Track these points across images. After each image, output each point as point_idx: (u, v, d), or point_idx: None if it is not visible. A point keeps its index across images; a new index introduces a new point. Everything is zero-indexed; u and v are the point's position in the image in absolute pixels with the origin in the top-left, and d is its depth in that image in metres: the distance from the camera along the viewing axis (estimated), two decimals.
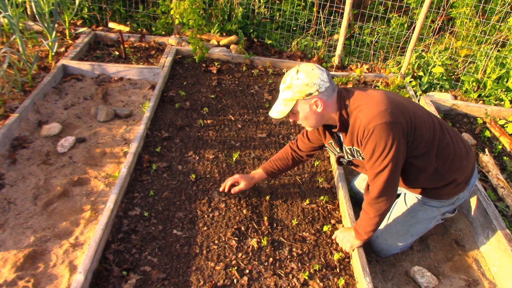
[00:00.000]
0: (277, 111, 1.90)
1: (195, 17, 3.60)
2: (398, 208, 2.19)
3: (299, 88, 1.80)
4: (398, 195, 2.28)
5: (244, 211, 2.38)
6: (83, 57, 3.84)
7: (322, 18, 4.50)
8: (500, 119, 3.47)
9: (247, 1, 4.47)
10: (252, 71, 3.91)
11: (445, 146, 1.93)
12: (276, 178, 2.60)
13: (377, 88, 3.71)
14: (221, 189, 2.45)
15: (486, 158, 2.91)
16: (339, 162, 2.16)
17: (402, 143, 1.77)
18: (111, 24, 4.40)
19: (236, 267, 2.05)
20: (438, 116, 3.26)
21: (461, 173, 2.01)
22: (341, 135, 2.00)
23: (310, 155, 2.33)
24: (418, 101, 3.59)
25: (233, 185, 2.43)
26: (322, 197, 2.53)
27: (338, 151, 2.09)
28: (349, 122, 1.86)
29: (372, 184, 1.88)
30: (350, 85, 3.78)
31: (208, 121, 3.13)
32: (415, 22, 4.16)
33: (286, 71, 3.91)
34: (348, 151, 1.99)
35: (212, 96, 3.43)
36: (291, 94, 1.83)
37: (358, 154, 1.95)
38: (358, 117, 1.80)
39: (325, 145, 2.17)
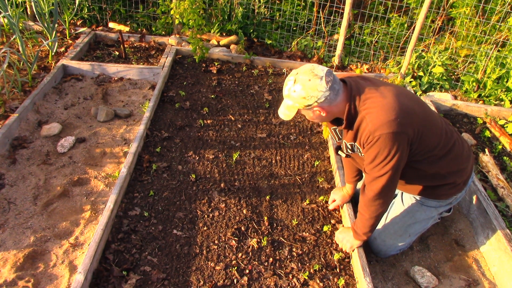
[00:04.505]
0: (283, 114, 1.90)
1: (195, 17, 3.60)
2: (396, 209, 2.18)
3: (297, 100, 1.77)
4: (395, 196, 2.27)
5: (244, 211, 2.38)
6: (83, 57, 3.84)
7: (322, 18, 4.50)
8: (500, 119, 3.47)
9: (247, 1, 4.46)
10: (252, 71, 3.91)
11: (448, 151, 1.92)
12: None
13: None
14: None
15: (486, 158, 2.91)
16: (337, 152, 2.13)
17: (405, 152, 1.76)
18: (111, 24, 4.39)
19: (236, 267, 2.05)
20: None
21: (461, 175, 2.02)
22: (342, 130, 1.97)
23: None
24: None
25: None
26: (322, 197, 2.53)
27: (338, 139, 2.08)
28: (355, 120, 1.81)
29: (369, 186, 1.86)
30: None
31: (208, 121, 3.13)
32: (415, 22, 4.15)
33: (286, 71, 3.92)
34: (349, 146, 1.96)
35: (212, 96, 3.43)
36: (292, 103, 1.80)
37: (359, 151, 1.93)
38: (365, 118, 1.75)
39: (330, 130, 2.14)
